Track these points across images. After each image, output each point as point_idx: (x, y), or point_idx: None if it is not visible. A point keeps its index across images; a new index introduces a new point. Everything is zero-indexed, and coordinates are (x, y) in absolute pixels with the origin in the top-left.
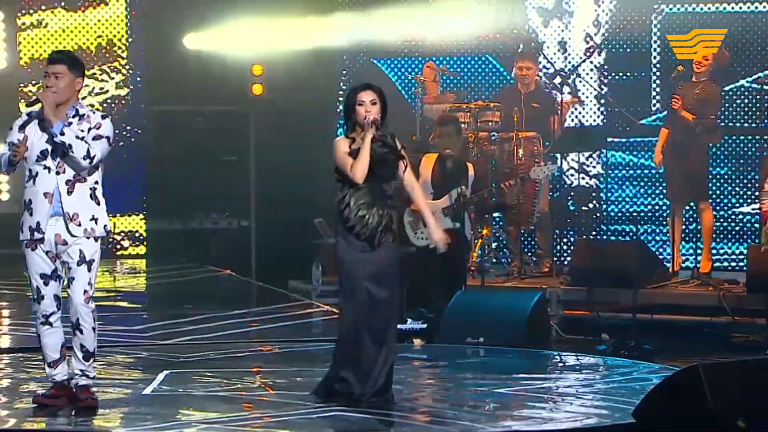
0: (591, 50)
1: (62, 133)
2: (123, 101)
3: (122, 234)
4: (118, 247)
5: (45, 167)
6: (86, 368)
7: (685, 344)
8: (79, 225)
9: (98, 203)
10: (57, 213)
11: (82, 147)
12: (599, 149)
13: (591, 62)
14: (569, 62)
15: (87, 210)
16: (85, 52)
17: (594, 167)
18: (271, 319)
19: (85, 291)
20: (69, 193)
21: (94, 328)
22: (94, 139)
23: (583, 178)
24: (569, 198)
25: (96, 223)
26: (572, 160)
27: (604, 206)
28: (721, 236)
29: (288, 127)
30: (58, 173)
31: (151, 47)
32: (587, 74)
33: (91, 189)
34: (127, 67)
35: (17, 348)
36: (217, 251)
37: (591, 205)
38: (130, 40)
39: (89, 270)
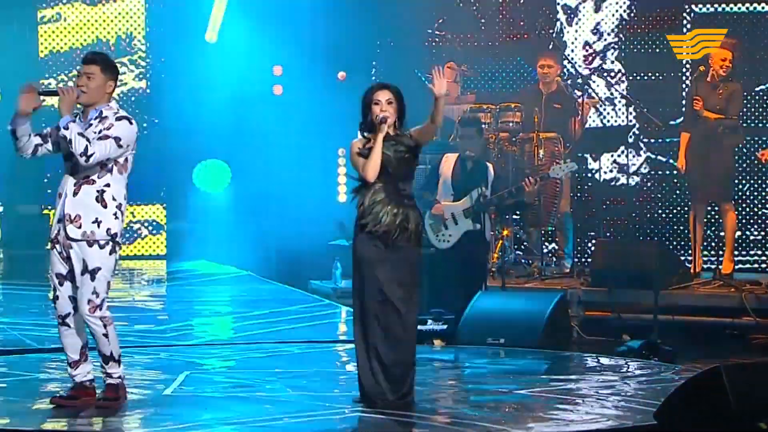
0: (591, 57)
1: (66, 127)
2: (142, 93)
3: (140, 223)
4: (136, 235)
5: (68, 168)
6: (108, 370)
7: (706, 345)
8: (80, 227)
9: (105, 206)
10: (61, 214)
11: (81, 143)
12: (620, 149)
13: (613, 63)
14: (588, 63)
15: (90, 212)
16: (104, 44)
17: (637, 168)
18: (291, 319)
19: (90, 300)
20: (74, 194)
21: (105, 335)
22: (99, 138)
23: (618, 179)
24: (608, 200)
25: (98, 226)
26: (613, 162)
27: (648, 207)
28: (743, 237)
29: (308, 127)
30: (71, 174)
31: (171, 42)
32: (610, 76)
33: (98, 191)
34: (146, 60)
35: (38, 348)
36: (237, 251)
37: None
38: (148, 33)
39: (92, 279)
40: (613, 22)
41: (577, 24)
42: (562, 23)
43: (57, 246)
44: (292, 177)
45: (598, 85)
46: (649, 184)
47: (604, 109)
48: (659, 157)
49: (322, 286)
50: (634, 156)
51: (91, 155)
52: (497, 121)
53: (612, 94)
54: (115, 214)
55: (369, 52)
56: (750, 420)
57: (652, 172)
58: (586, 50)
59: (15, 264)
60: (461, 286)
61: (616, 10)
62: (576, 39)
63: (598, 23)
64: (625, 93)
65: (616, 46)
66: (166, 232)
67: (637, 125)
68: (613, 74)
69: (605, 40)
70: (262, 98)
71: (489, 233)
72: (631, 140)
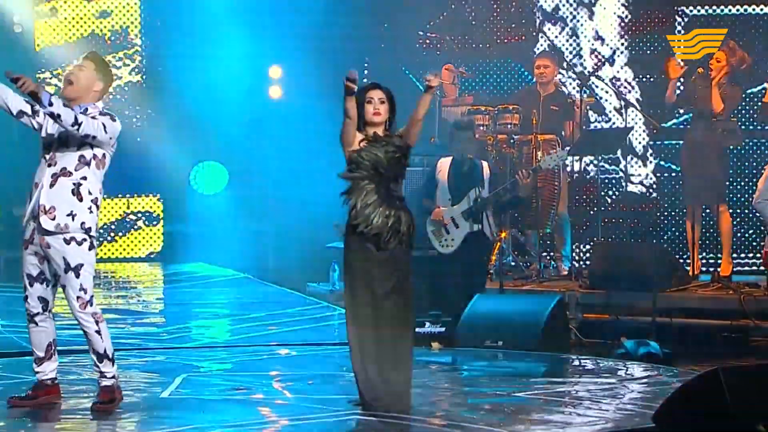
0: (599, 64)
1: (51, 103)
2: (137, 88)
3: (138, 214)
4: (134, 227)
5: (44, 157)
6: (101, 369)
7: (705, 348)
8: (53, 219)
9: (81, 199)
10: (35, 206)
11: (70, 114)
12: (618, 151)
13: (623, 68)
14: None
15: (65, 204)
16: (99, 38)
17: (645, 171)
18: (288, 322)
19: (79, 297)
20: (51, 186)
21: (97, 331)
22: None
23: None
24: (621, 205)
25: (73, 219)
26: (622, 167)
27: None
28: (742, 240)
29: (306, 130)
30: (49, 165)
31: (167, 37)
32: (623, 85)
33: (75, 184)
34: (141, 54)
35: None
36: (235, 254)
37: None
38: (144, 27)
39: (77, 276)
40: (614, 27)
41: (577, 33)
42: (541, 26)
43: (31, 246)
44: (290, 178)
45: (609, 94)
46: (654, 187)
47: (603, 111)
48: (661, 162)
49: (319, 288)
50: (635, 160)
51: (81, 123)
52: (495, 123)
53: (618, 92)
54: (90, 208)
55: (362, 53)
56: (748, 423)
57: (657, 175)
58: (593, 58)
59: (10, 266)
60: (464, 288)
61: (614, 12)
62: (561, 41)
63: (597, 29)
64: (623, 95)
65: (624, 50)
66: (164, 234)
67: (642, 127)
68: (625, 84)
69: (609, 45)
70: (258, 98)
71: (489, 233)
72: (634, 145)
